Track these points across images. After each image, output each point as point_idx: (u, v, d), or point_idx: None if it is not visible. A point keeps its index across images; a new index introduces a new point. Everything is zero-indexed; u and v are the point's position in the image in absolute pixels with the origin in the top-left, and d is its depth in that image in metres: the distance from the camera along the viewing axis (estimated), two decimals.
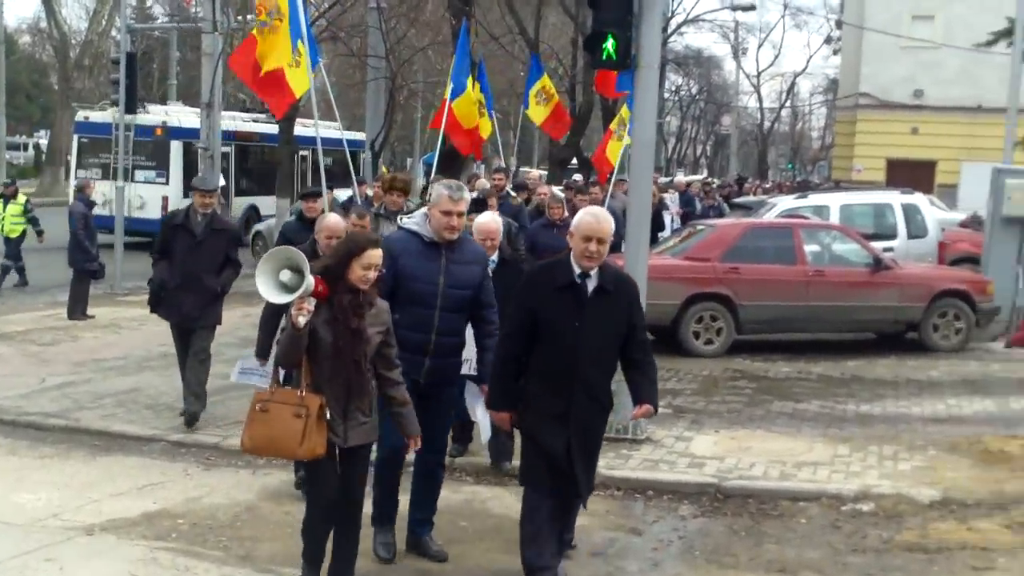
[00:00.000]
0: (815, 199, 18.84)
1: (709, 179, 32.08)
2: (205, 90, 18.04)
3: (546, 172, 30.09)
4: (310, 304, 5.31)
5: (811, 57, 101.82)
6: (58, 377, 11.45)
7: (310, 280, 5.27)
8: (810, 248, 14.29)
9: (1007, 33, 24.06)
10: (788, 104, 75.71)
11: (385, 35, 22.92)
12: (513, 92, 29.82)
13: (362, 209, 9.37)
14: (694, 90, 71.67)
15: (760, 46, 70.19)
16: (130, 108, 20.14)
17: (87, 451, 8.94)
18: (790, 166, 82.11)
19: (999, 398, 11.54)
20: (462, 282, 6.39)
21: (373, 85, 24.35)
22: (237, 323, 14.90)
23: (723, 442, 9.45)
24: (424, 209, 6.55)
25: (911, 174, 34.06)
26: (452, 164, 20.18)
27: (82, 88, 49.29)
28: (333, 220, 7.79)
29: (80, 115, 27.66)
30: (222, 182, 15.37)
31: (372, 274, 5.51)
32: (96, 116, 25.74)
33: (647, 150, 9.56)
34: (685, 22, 54.45)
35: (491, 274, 6.88)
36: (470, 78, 16.71)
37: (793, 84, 73.58)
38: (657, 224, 15.82)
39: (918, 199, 18.20)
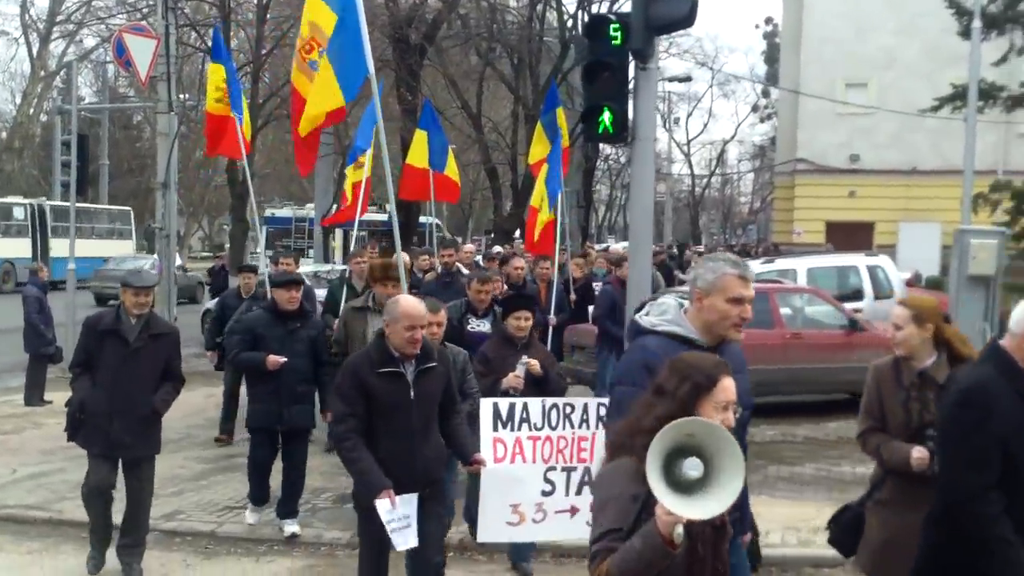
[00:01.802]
0: (782, 263, 18.92)
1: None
2: (161, 170, 17.60)
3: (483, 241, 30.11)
4: None
5: (739, 125, 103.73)
6: (29, 467, 10.96)
7: (738, 478, 3.20)
8: (786, 311, 14.31)
9: (951, 99, 24.48)
10: (718, 171, 76.80)
11: None
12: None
13: (435, 302, 7.09)
14: (623, 159, 72.50)
15: (689, 115, 70.89)
16: (81, 189, 19.76)
17: (76, 544, 8.47)
18: (720, 230, 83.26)
19: None
20: (741, 398, 4.25)
21: (325, 160, 24.19)
22: (202, 404, 14.51)
23: None
24: (672, 298, 4.51)
25: (850, 235, 34.61)
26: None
27: (12, 170, 48.56)
28: (411, 305, 5.77)
29: (268, 211, 36.94)
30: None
31: (732, 417, 3.58)
32: (279, 212, 34.96)
33: (646, 216, 9.54)
34: None
35: None
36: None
37: (723, 151, 74.73)
38: (589, 298, 14.41)
39: (883, 260, 18.33)
